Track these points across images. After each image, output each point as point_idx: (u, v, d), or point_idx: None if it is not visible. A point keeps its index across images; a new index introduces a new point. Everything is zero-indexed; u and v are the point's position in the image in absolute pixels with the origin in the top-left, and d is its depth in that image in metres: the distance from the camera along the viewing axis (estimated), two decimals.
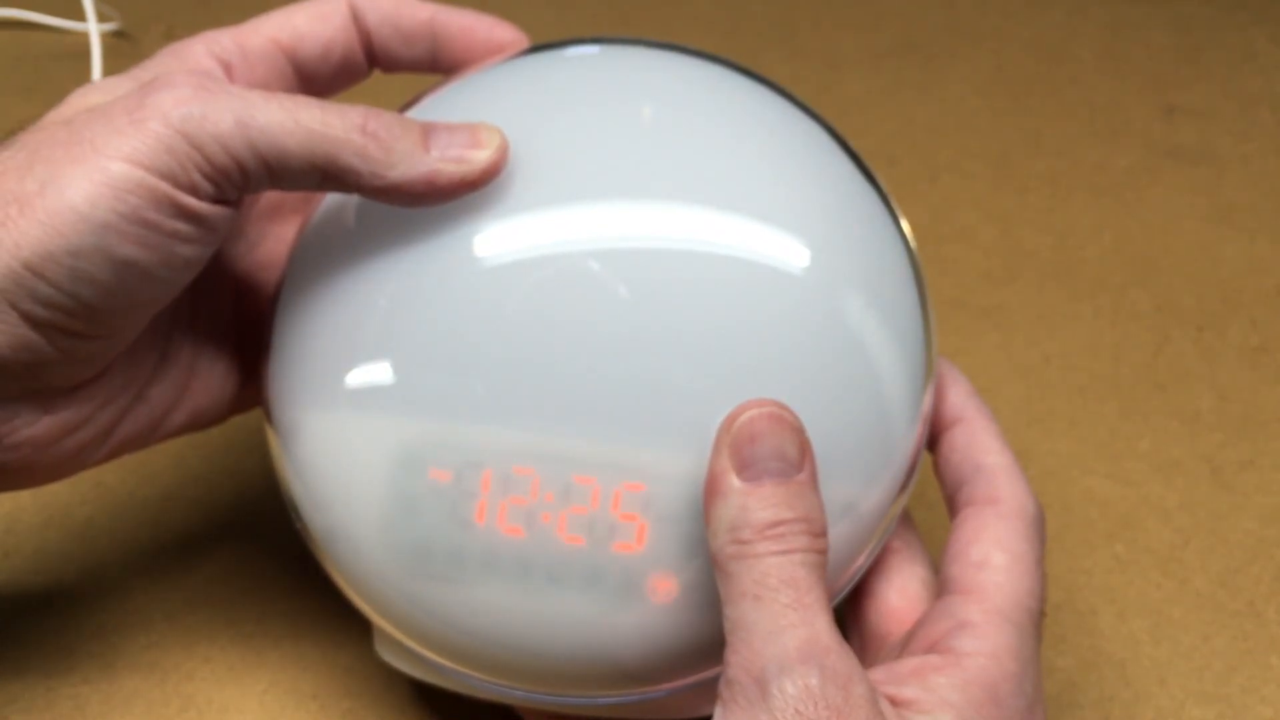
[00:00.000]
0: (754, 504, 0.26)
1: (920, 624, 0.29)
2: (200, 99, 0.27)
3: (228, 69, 0.31)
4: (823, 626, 0.25)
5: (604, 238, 0.27)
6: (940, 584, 0.29)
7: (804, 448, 0.27)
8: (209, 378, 0.32)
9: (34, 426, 0.29)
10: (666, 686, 0.29)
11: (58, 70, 0.57)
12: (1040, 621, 0.28)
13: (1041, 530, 0.30)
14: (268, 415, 0.31)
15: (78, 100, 0.29)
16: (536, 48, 0.32)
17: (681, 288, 0.27)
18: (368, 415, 0.28)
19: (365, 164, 0.27)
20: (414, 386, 0.27)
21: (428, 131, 0.28)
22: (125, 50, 0.59)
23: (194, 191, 0.27)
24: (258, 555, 0.37)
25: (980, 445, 0.31)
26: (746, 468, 0.26)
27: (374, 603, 0.29)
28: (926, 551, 0.31)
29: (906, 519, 0.32)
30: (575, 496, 0.27)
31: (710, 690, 0.27)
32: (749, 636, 0.25)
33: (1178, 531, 0.39)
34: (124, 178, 0.26)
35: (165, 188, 0.26)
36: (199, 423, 0.33)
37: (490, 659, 0.29)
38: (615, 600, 0.27)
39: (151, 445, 0.32)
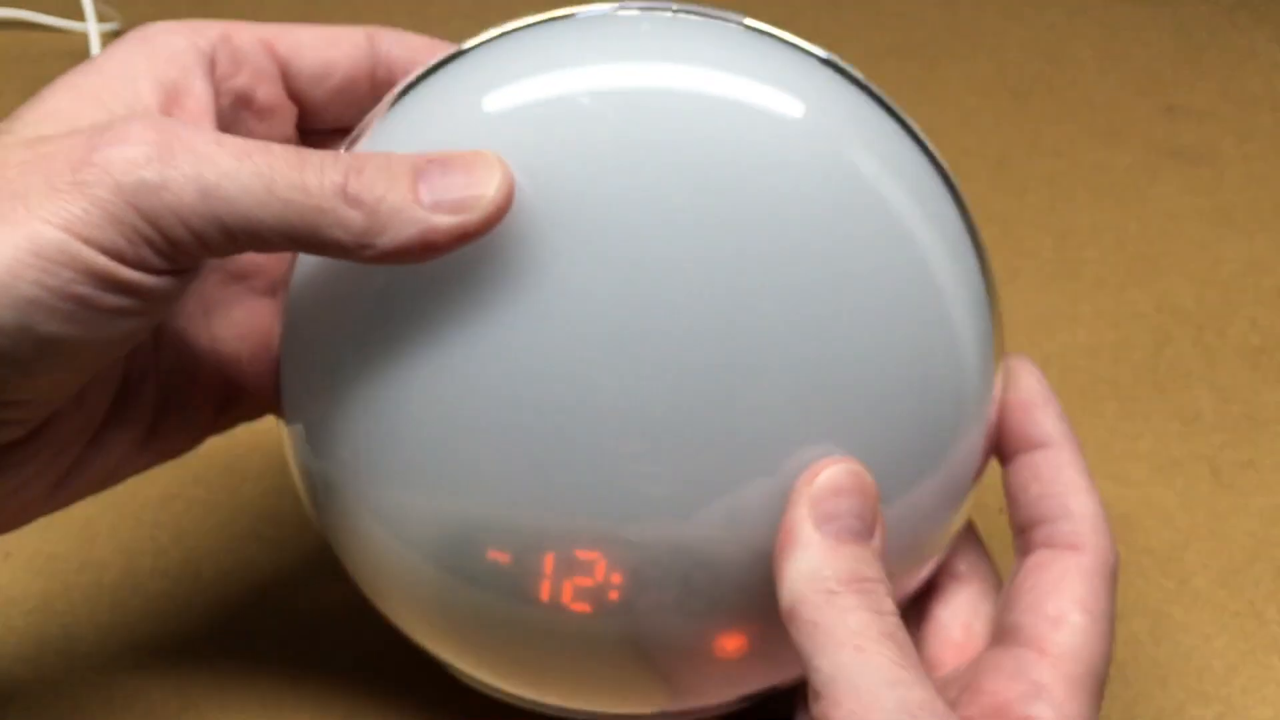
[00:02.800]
0: (836, 557, 0.25)
1: (986, 673, 0.27)
2: (160, 162, 0.23)
3: (211, 64, 0.28)
4: (934, 691, 0.24)
5: (673, 312, 0.25)
6: (1006, 628, 0.27)
7: (878, 517, 0.26)
8: (183, 411, 0.29)
9: None
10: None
11: (58, 70, 0.57)
12: (1104, 686, 0.27)
13: (1116, 582, 0.28)
14: (302, 475, 0.29)
15: (28, 114, 0.26)
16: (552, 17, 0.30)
17: (745, 358, 0.25)
18: (427, 494, 0.26)
19: (350, 235, 0.24)
20: (465, 468, 0.26)
21: (418, 174, 0.24)
22: None
23: (141, 266, 0.23)
24: (258, 555, 0.37)
25: (1069, 483, 0.28)
26: (828, 521, 0.25)
27: (427, 646, 0.30)
28: (998, 586, 0.30)
29: (981, 548, 0.30)
30: (645, 576, 0.26)
31: None
32: (854, 690, 0.23)
33: (1178, 531, 0.39)
34: (56, 249, 0.22)
35: (104, 261, 0.23)
36: (171, 455, 0.30)
37: (540, 699, 0.29)
38: (683, 659, 0.28)
39: (115, 485, 0.29)
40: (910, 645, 0.24)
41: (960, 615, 0.29)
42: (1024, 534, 0.28)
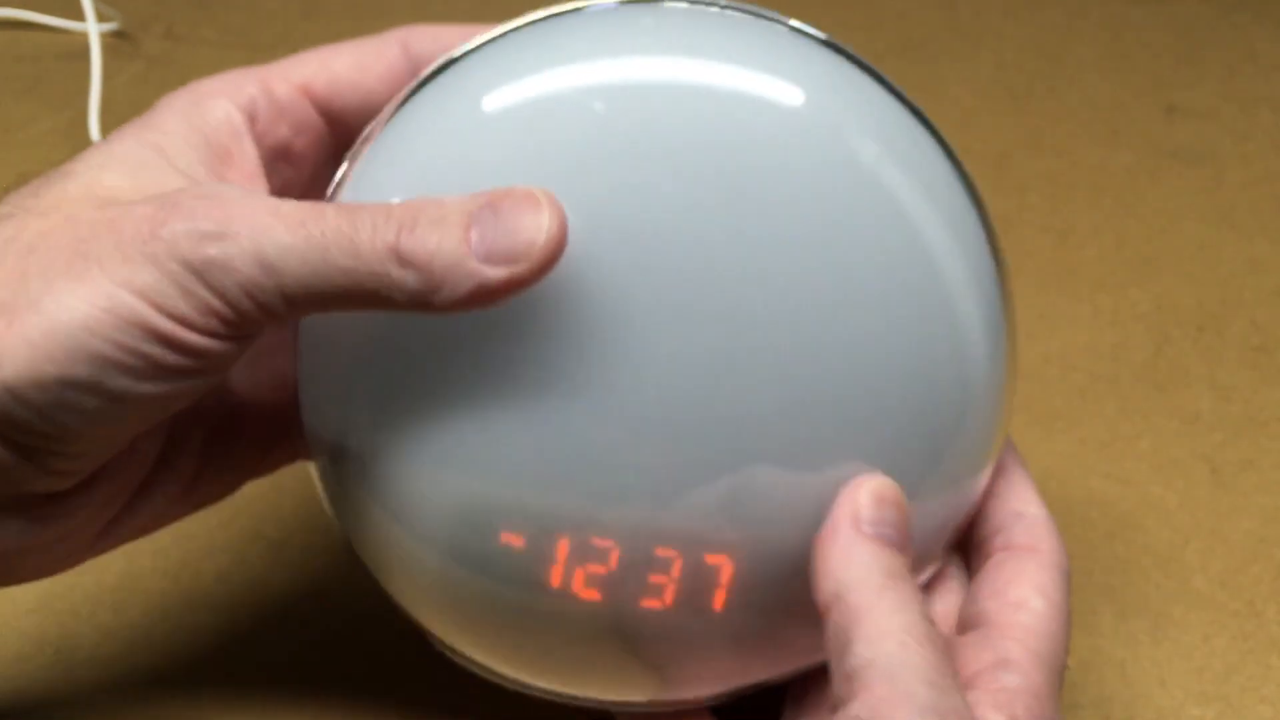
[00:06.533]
0: (885, 557, 0.26)
1: (957, 653, 0.28)
2: (221, 239, 0.24)
3: (252, 121, 0.29)
4: (966, 705, 0.25)
5: (685, 299, 0.26)
6: (971, 617, 0.29)
7: (908, 540, 0.27)
8: (227, 457, 0.30)
9: (22, 536, 0.27)
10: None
11: (58, 70, 0.57)
12: (1064, 674, 0.28)
13: (1069, 582, 0.29)
14: (314, 447, 0.29)
15: (92, 158, 0.27)
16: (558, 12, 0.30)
17: (771, 356, 0.26)
18: (442, 472, 0.26)
19: (405, 296, 0.24)
20: (487, 448, 0.26)
21: (471, 219, 0.24)
22: (125, 50, 0.59)
23: (207, 333, 0.25)
24: (258, 555, 0.37)
25: (1020, 495, 0.30)
26: (874, 524, 0.26)
27: (432, 629, 0.29)
28: (963, 580, 0.31)
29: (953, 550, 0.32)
30: (657, 566, 0.27)
31: None
32: (891, 679, 0.24)
33: (1178, 531, 0.39)
34: (131, 311, 0.24)
35: (171, 326, 0.24)
36: (212, 501, 0.31)
37: (545, 685, 0.29)
38: (686, 654, 0.28)
39: (156, 531, 0.30)
40: (949, 657, 0.25)
41: (936, 606, 0.30)
42: (983, 544, 0.30)
